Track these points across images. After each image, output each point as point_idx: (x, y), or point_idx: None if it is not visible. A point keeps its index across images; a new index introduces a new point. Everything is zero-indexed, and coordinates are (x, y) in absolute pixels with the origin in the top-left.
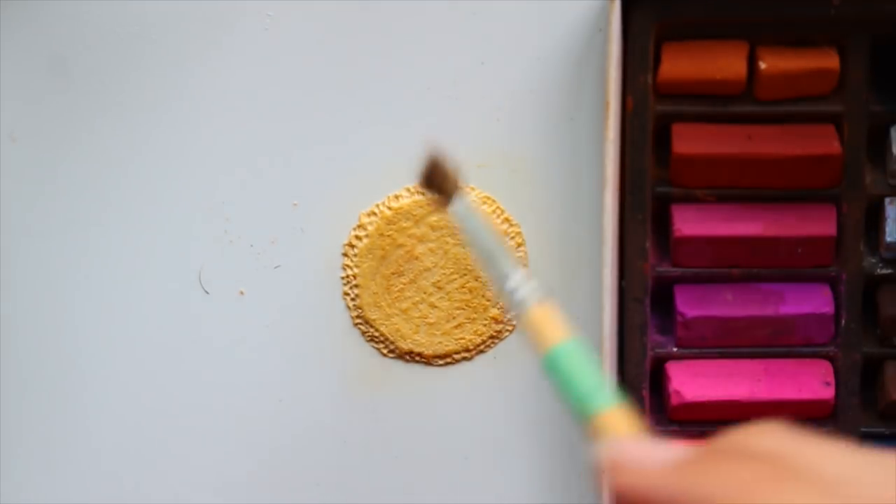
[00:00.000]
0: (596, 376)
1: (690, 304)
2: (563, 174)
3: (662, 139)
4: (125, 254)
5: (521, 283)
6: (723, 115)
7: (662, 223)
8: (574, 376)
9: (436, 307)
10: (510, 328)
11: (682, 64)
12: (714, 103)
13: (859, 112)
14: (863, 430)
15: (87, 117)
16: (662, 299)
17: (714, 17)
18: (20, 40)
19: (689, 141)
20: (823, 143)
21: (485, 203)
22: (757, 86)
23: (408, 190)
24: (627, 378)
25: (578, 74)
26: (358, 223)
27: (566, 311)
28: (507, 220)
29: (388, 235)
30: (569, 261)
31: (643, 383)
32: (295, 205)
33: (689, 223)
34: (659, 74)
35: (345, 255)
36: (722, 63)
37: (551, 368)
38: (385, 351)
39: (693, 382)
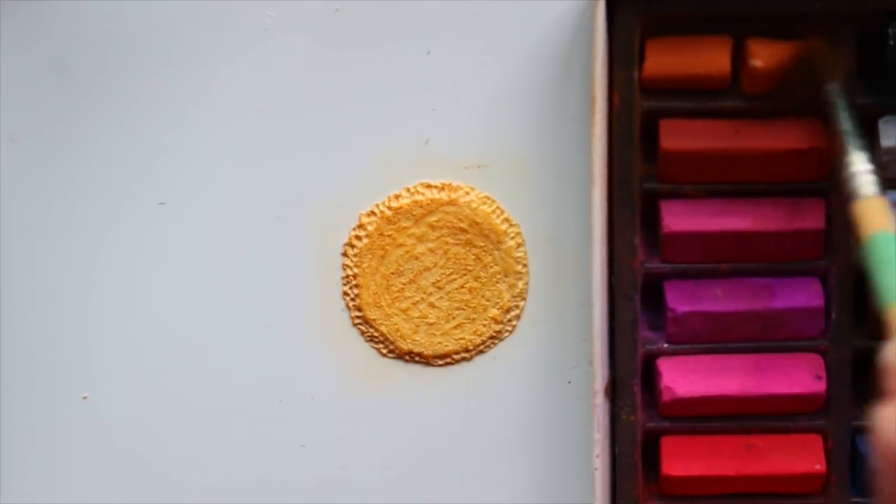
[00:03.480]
0: None
1: (681, 300)
2: (563, 174)
3: (650, 135)
4: (125, 254)
5: (864, 172)
6: (710, 110)
7: (651, 219)
8: (887, 264)
9: (435, 307)
10: (510, 328)
11: (666, 60)
12: (701, 98)
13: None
14: (854, 423)
15: (87, 117)
16: (652, 295)
17: (698, 11)
18: (20, 40)
19: (677, 136)
20: (811, 136)
21: (485, 203)
22: (745, 80)
23: (408, 190)
24: (619, 375)
25: (578, 74)
26: (358, 223)
27: (566, 311)
28: (507, 220)
29: (388, 235)
30: (569, 260)
31: (635, 379)
32: (295, 205)
33: (678, 219)
34: (643, 70)
35: (345, 255)
36: (706, 58)
37: (869, 252)
38: (385, 351)
39: (684, 378)
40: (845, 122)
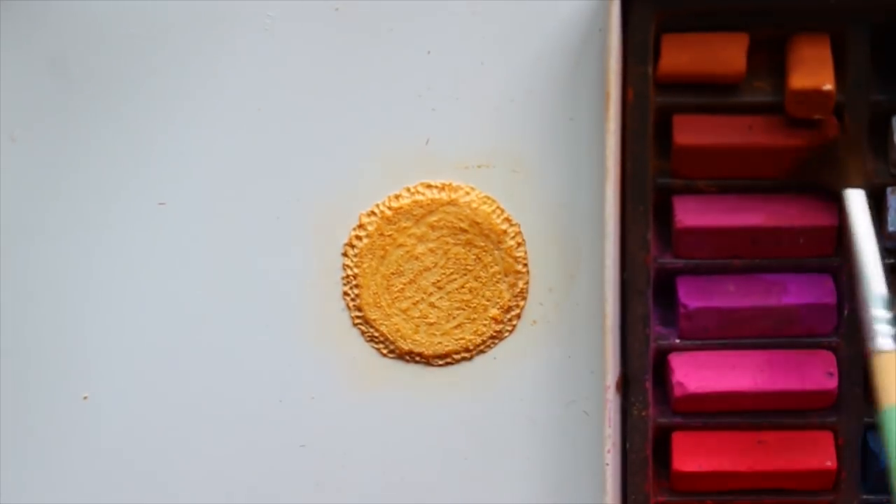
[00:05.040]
0: None
1: (693, 296)
2: (564, 174)
3: (663, 130)
4: (125, 254)
5: (886, 321)
6: (724, 105)
7: (664, 214)
8: None
9: (436, 307)
10: (510, 328)
11: (682, 56)
12: (715, 94)
13: (860, 101)
14: (865, 420)
15: (87, 117)
16: (665, 291)
17: (713, 7)
18: (20, 40)
19: (691, 132)
20: (825, 133)
21: (485, 203)
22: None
23: (408, 190)
24: (630, 370)
25: (578, 74)
26: (358, 223)
27: (566, 311)
28: (507, 219)
29: (389, 235)
30: (569, 260)
31: (646, 375)
32: (295, 205)
33: (691, 214)
34: (659, 68)
35: (345, 255)
36: (722, 55)
37: (886, 424)
38: (385, 351)
39: (696, 374)
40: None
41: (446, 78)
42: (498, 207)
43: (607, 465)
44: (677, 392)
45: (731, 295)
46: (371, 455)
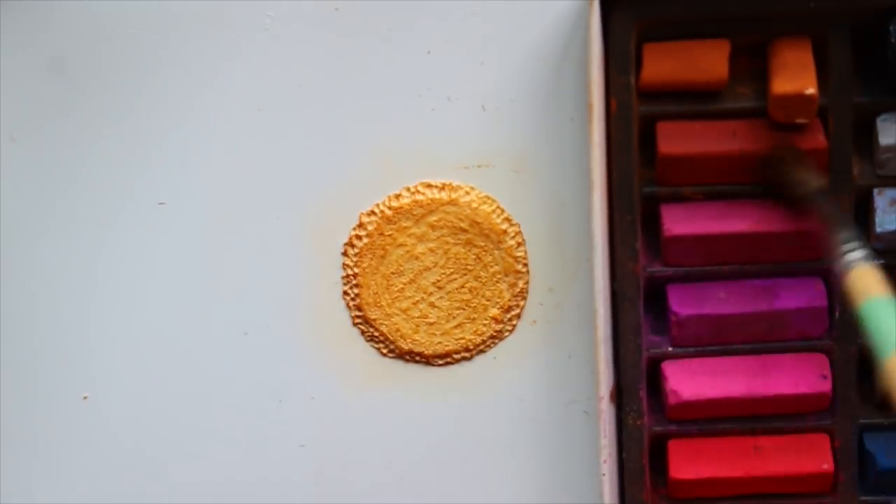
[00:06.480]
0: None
1: (684, 303)
2: (564, 174)
3: (647, 139)
4: (125, 254)
5: (852, 248)
6: (707, 112)
7: (652, 223)
8: (880, 325)
9: (436, 307)
10: (510, 328)
11: (664, 66)
12: (698, 101)
13: (844, 104)
14: (861, 421)
15: (87, 117)
16: (655, 299)
17: (693, 14)
18: (20, 40)
19: (675, 140)
20: (809, 136)
21: (485, 203)
22: (771, 107)
23: (408, 189)
24: (624, 380)
25: (579, 74)
26: (358, 223)
27: (566, 311)
28: (507, 219)
29: (389, 235)
30: (569, 260)
31: (640, 384)
32: (295, 205)
33: (679, 222)
34: (641, 78)
35: (345, 254)
36: (704, 63)
37: (864, 317)
38: (385, 351)
39: (690, 381)
40: (828, 212)
41: (446, 78)
42: (498, 207)
43: (604, 475)
44: (671, 400)
45: (721, 301)
46: (371, 455)
